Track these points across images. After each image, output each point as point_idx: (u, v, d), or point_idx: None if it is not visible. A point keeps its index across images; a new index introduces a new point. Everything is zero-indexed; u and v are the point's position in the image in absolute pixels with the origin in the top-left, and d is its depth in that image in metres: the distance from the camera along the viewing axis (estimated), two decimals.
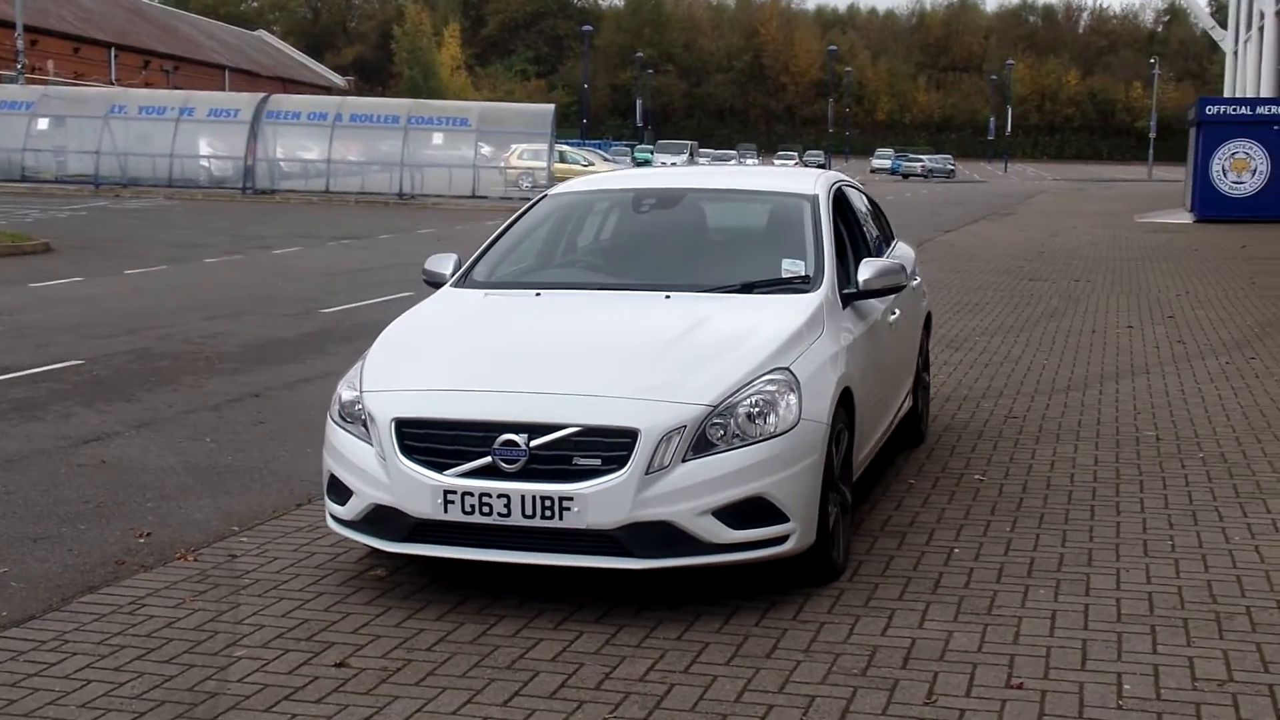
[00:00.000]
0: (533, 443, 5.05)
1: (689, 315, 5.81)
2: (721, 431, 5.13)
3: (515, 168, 42.84)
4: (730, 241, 6.82)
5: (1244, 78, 56.73)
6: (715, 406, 5.13)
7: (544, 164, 40.85)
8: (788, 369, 5.38)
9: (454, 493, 5.10)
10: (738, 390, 5.20)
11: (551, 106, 42.05)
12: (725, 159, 76.31)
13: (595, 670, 4.70)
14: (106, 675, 4.69)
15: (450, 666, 4.76)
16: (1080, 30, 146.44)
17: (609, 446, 5.03)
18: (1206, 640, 4.93)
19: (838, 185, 7.23)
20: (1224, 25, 66.44)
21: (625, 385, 5.21)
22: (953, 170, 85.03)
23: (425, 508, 5.16)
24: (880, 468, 7.42)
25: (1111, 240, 27.93)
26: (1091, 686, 4.51)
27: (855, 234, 7.09)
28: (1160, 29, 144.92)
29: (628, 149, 76.98)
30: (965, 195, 57.98)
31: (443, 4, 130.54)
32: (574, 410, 5.10)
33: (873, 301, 6.59)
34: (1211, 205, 33.73)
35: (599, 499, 4.98)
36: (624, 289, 6.25)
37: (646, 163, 72.03)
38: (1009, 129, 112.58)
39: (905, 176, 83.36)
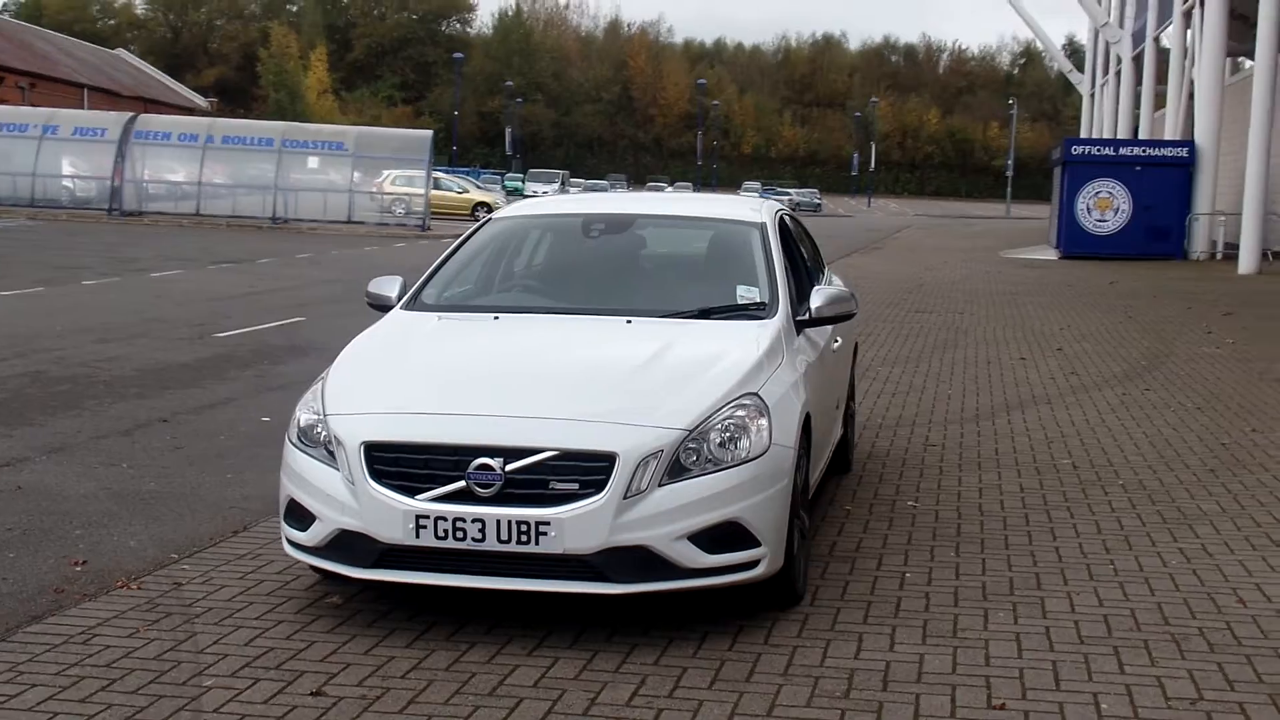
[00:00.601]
0: (508, 467, 5.00)
1: (654, 340, 5.82)
2: (694, 456, 5.14)
3: (388, 194, 42.48)
4: (682, 267, 6.87)
5: (1100, 120, 58.63)
6: (691, 431, 5.14)
7: (421, 190, 40.53)
8: (757, 394, 5.41)
9: (426, 517, 5.03)
10: (712, 414, 5.21)
11: (429, 132, 41.77)
12: (598, 188, 76.49)
13: (579, 697, 4.67)
14: (72, 708, 4.53)
15: (431, 694, 4.69)
16: (940, 71, 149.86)
17: (586, 471, 5.01)
18: (1169, 660, 5.06)
19: (780, 214, 7.31)
20: (1081, 69, 68.66)
21: (601, 409, 5.19)
22: (819, 204, 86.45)
23: (396, 533, 5.08)
24: (816, 494, 7.49)
25: (985, 275, 28.59)
26: (1071, 707, 4.59)
27: (797, 261, 7.17)
28: (1016, 71, 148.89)
29: (498, 177, 76.77)
30: (835, 229, 58.85)
31: (308, 27, 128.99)
32: (551, 434, 5.06)
33: (822, 329, 6.68)
34: (1076, 242, 34.72)
35: (576, 523, 4.95)
36: (582, 313, 6.24)
37: (517, 191, 72.00)
38: (873, 165, 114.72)
39: None
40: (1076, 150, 35.89)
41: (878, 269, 30.02)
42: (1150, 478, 8.24)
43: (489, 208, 50.87)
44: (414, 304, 6.57)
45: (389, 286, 6.80)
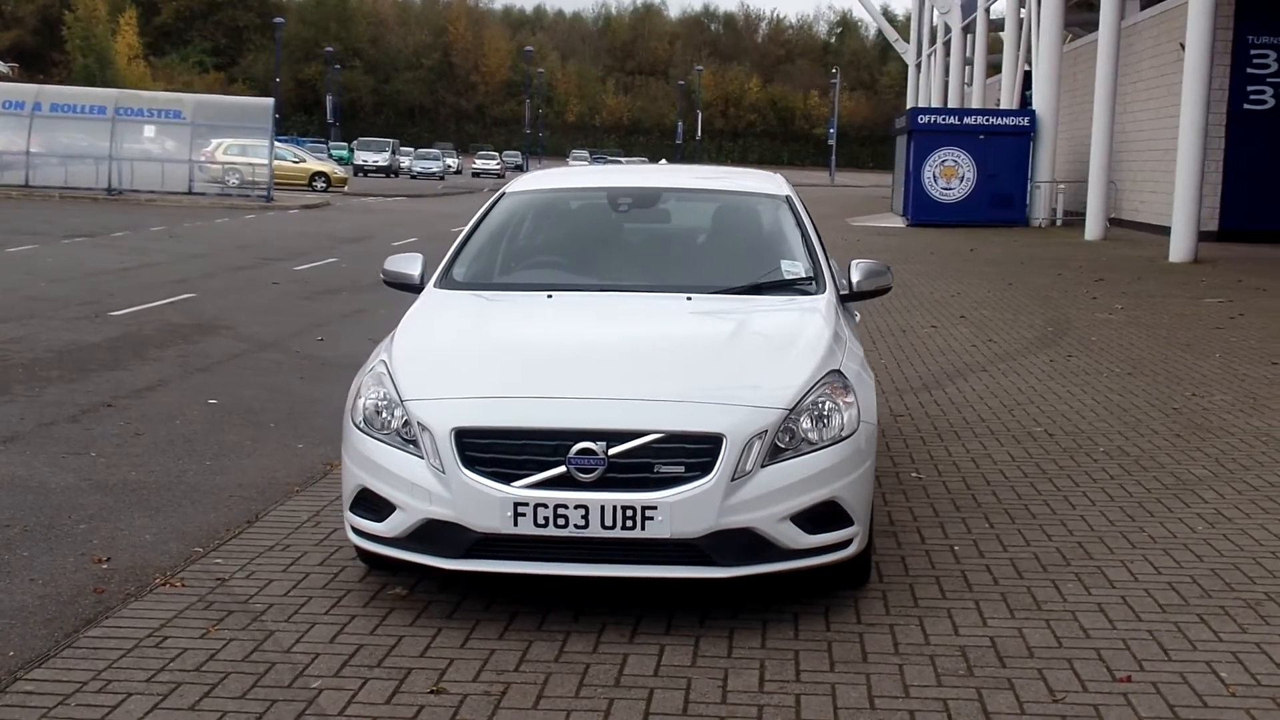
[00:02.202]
0: (611, 450, 4.86)
1: (722, 317, 5.72)
2: (789, 436, 5.06)
3: (219, 163, 41.21)
4: (718, 241, 6.74)
5: (930, 89, 59.92)
6: (790, 410, 5.06)
7: (257, 160, 39.37)
8: (840, 372, 5.36)
9: (525, 505, 4.86)
10: (805, 393, 5.14)
11: (271, 101, 40.59)
12: (430, 156, 75.44)
13: (709, 685, 4.56)
14: (184, 717, 4.27)
15: (555, 688, 4.54)
16: (759, 39, 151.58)
17: (692, 453, 4.89)
18: (1257, 626, 5.16)
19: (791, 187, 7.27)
20: (906, 39, 70.02)
21: (703, 389, 5.08)
22: None
23: (492, 522, 4.89)
24: None
25: (847, 244, 28.94)
26: (1193, 676, 4.66)
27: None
28: (834, 40, 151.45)
29: (321, 145, 74.97)
30: None
31: None
32: (655, 416, 4.93)
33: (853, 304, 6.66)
34: (924, 210, 35.48)
35: (684, 507, 4.84)
36: (635, 290, 6.10)
37: (344, 160, 70.55)
38: (698, 133, 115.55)
39: None
40: (923, 119, 36.63)
41: None
42: (1127, 444, 8.43)
43: (327, 178, 49.85)
44: (447, 282, 6.36)
45: (409, 264, 6.57)
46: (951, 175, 35.58)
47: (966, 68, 51.68)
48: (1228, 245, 27.25)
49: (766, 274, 6.28)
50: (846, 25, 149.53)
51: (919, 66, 66.69)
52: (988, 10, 47.37)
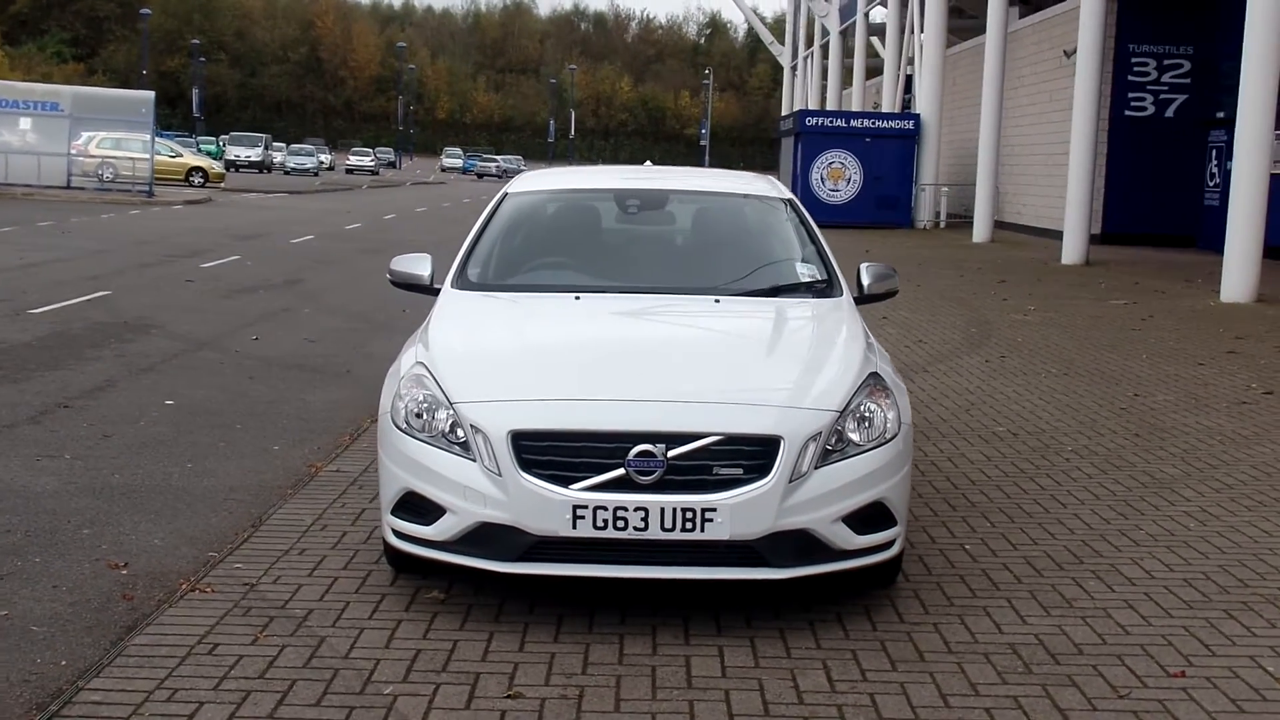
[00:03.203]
0: (670, 453, 4.87)
1: (756, 319, 5.77)
2: (836, 438, 5.13)
3: (93, 157, 40.13)
4: (730, 243, 6.77)
5: (807, 92, 60.73)
6: (840, 412, 5.13)
7: (142, 155, 38.42)
8: (877, 373, 5.45)
9: (585, 507, 4.85)
10: (852, 395, 5.22)
11: (152, 94, 39.47)
12: (304, 152, 74.28)
13: (781, 686, 4.60)
14: None
15: (630, 690, 4.54)
16: (630, 39, 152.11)
17: (749, 455, 4.93)
18: None
19: None
20: (782, 41, 70.89)
21: (756, 391, 5.12)
22: (525, 171, 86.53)
23: (550, 524, 4.88)
24: None
25: None
26: (1243, 671, 4.81)
27: None
28: (703, 41, 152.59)
29: (191, 140, 73.35)
30: None
31: None
32: (714, 418, 4.96)
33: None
34: (812, 211, 35.43)
35: (744, 509, 4.87)
36: (659, 292, 6.12)
37: (214, 155, 69.13)
38: (572, 132, 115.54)
39: (480, 176, 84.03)
40: (810, 122, 37.12)
41: None
42: (1091, 444, 8.66)
43: (204, 173, 48.83)
44: (463, 283, 6.31)
45: (418, 265, 6.52)
46: (839, 177, 36.12)
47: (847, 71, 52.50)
48: (1112, 248, 28.04)
49: (784, 276, 6.35)
50: (716, 26, 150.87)
51: (794, 69, 67.59)
52: (867, 15, 48.18)
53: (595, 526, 4.86)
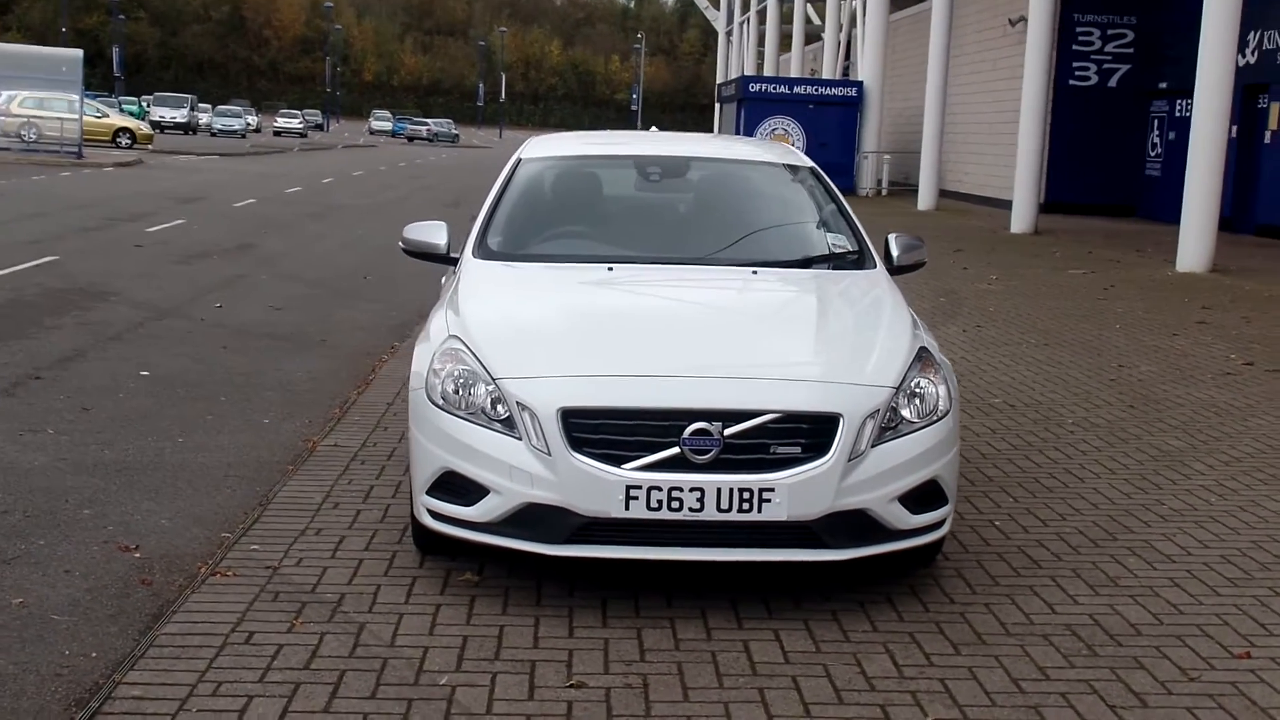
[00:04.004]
0: (727, 431, 4.70)
1: (798, 291, 5.60)
2: (891, 415, 4.98)
3: (14, 116, 39.11)
4: (757, 212, 6.57)
5: (742, 58, 60.51)
6: (896, 389, 4.98)
7: (70, 115, 37.44)
8: (926, 349, 5.30)
9: (639, 488, 4.66)
10: (906, 371, 5.07)
11: (80, 52, 38.44)
12: (231, 114, 72.93)
13: (846, 671, 4.46)
14: None
15: (695, 678, 4.37)
16: (559, 2, 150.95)
17: (808, 433, 4.77)
18: None
19: None
20: (717, 6, 70.55)
21: (812, 367, 4.96)
22: (457, 135, 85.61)
23: (602, 505, 4.68)
24: None
25: None
26: None
27: None
28: (633, 5, 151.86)
29: (113, 100, 71.68)
30: (486, 160, 58.63)
31: None
32: (771, 395, 4.78)
33: None
34: None
35: (802, 488, 4.71)
36: (693, 263, 5.92)
37: (139, 115, 67.63)
38: (502, 95, 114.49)
39: (411, 140, 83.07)
40: (754, 88, 36.94)
41: None
42: (1090, 415, 8.60)
43: (132, 134, 47.73)
44: (485, 252, 6.06)
45: (433, 233, 6.27)
46: (783, 143, 35.96)
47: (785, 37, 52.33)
48: (1055, 217, 28.14)
49: (816, 247, 6.19)
50: None
51: (729, 35, 67.33)
52: None
53: (649, 507, 4.68)
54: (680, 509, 4.68)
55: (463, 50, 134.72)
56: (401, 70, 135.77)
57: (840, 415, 4.78)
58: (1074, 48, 30.17)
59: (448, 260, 6.26)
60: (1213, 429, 8.31)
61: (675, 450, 4.69)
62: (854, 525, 4.83)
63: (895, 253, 6.31)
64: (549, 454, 4.72)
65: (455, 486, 4.93)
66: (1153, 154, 30.40)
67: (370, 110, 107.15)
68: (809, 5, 50.74)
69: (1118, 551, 5.81)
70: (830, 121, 35.96)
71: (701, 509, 4.68)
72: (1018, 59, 31.52)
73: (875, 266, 6.11)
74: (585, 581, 5.16)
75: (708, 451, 4.68)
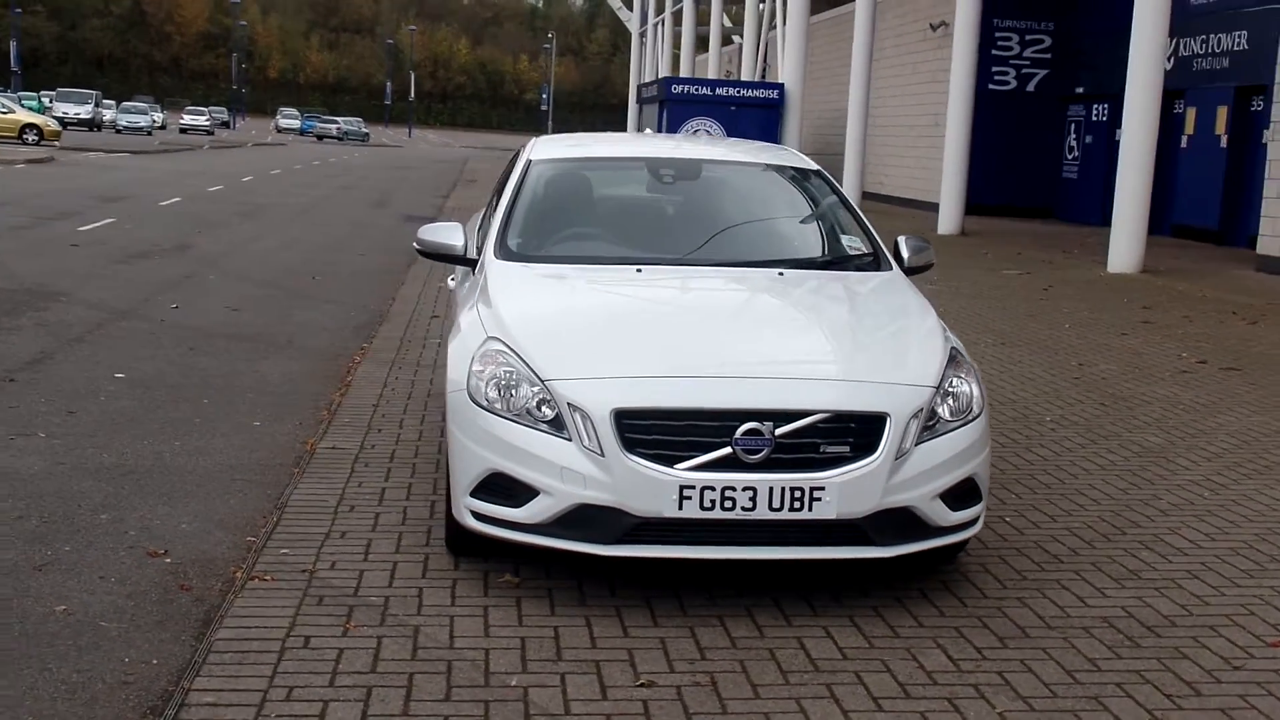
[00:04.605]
0: (778, 430, 4.76)
1: (830, 293, 5.68)
2: (930, 414, 5.07)
3: None
4: (773, 214, 6.64)
5: (658, 59, 60.64)
6: (936, 388, 5.07)
7: None
8: (957, 349, 5.40)
9: (692, 488, 4.71)
10: (943, 371, 5.16)
11: None
12: (137, 110, 71.64)
13: (906, 667, 4.53)
14: None
15: (760, 675, 4.42)
16: (466, 1, 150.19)
17: (856, 432, 4.84)
18: None
19: None
20: (630, 8, 70.64)
21: (858, 367, 5.03)
22: (366, 134, 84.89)
23: (656, 505, 4.72)
24: None
25: None
26: None
27: None
28: (541, 5, 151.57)
29: (13, 96, 70.06)
30: (400, 160, 58.25)
31: None
32: (821, 395, 4.85)
33: None
34: None
35: (851, 487, 4.79)
36: (719, 264, 5.96)
37: (41, 110, 66.18)
38: (412, 94, 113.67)
39: (320, 138, 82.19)
40: (676, 89, 36.98)
41: None
42: (1066, 413, 8.77)
43: (39, 130, 46.77)
44: (507, 254, 6.04)
45: (450, 234, 6.26)
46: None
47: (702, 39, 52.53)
48: (976, 219, 28.57)
49: (834, 249, 6.27)
50: None
51: (643, 36, 67.45)
52: None
53: (702, 507, 4.73)
54: (733, 508, 4.73)
55: (369, 48, 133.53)
56: (307, 68, 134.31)
57: (888, 415, 4.86)
58: (993, 52, 30.64)
59: (464, 262, 6.25)
60: (1186, 426, 8.53)
61: (727, 450, 4.74)
62: (900, 522, 4.92)
63: (906, 254, 6.41)
64: (602, 455, 4.75)
65: (502, 488, 4.94)
66: (1069, 157, 31.01)
67: (276, 108, 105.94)
68: (725, 6, 51.02)
69: (1130, 546, 5.96)
70: (752, 123, 36.04)
71: (754, 508, 4.74)
72: (938, 63, 32.08)
73: (892, 268, 6.21)
74: (625, 581, 5.19)
75: (759, 451, 4.74)
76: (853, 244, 6.35)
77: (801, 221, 6.67)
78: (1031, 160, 30.97)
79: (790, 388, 4.87)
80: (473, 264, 6.21)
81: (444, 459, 6.84)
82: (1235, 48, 24.00)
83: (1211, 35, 24.52)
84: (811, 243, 6.38)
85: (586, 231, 6.42)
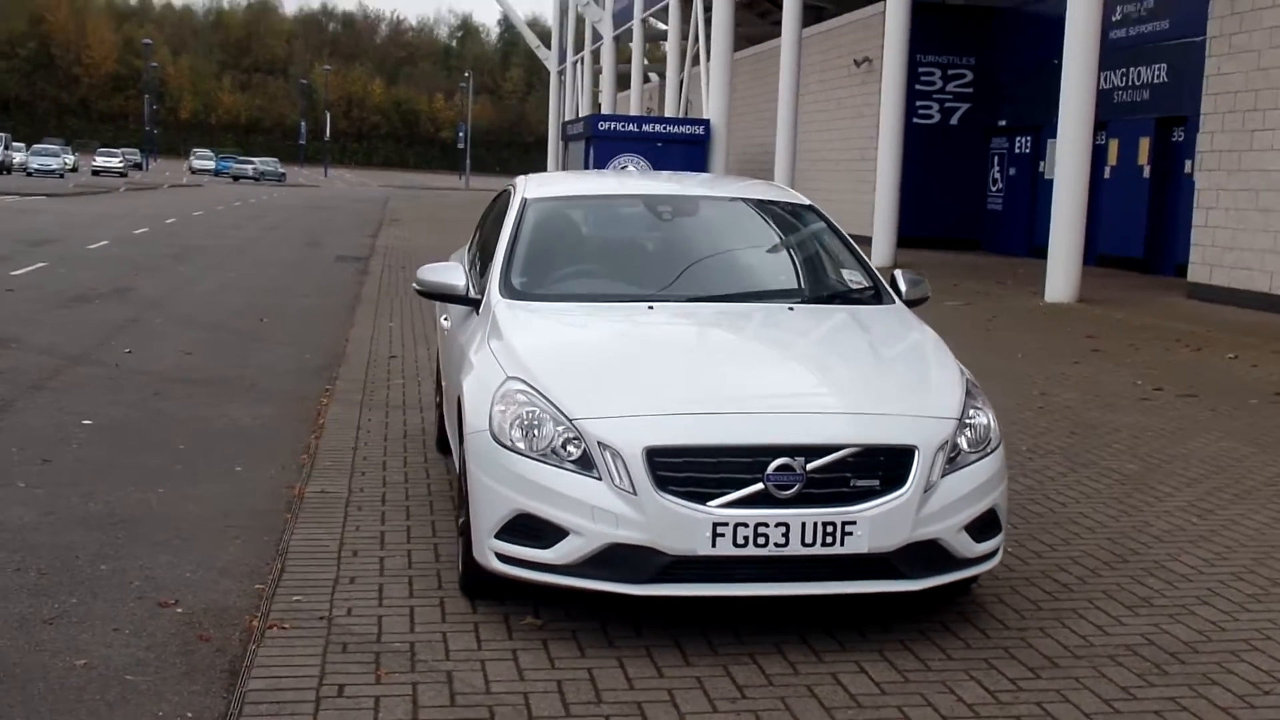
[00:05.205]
0: (809, 465, 4.76)
1: (843, 327, 5.70)
2: (953, 446, 5.10)
3: None
4: (773, 249, 6.67)
5: (578, 96, 60.85)
6: (959, 420, 5.10)
7: None
8: (971, 381, 5.45)
9: (725, 525, 4.70)
10: (964, 404, 5.20)
11: None
12: (48, 152, 70.54)
13: (946, 700, 4.53)
14: None
15: (803, 711, 4.39)
16: (380, 40, 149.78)
17: (884, 465, 4.86)
18: None
19: None
20: (549, 46, 70.86)
21: (884, 401, 5.05)
22: (283, 174, 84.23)
23: (690, 543, 4.70)
24: None
25: None
26: None
27: None
28: (455, 44, 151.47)
29: None
30: (320, 199, 57.88)
31: None
32: (851, 429, 4.86)
33: None
34: None
35: (882, 521, 4.80)
36: (728, 300, 5.97)
37: None
38: (327, 134, 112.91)
39: (236, 179, 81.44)
40: (603, 126, 37.20)
41: (434, 243, 29.56)
42: (1040, 442, 8.87)
43: None
44: (511, 293, 5.99)
45: (451, 274, 6.22)
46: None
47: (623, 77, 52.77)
48: (906, 251, 28.93)
49: (838, 283, 6.30)
50: (468, 29, 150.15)
51: (562, 74, 67.67)
52: (645, 21, 48.57)
53: (735, 544, 4.71)
54: (766, 544, 4.72)
55: (282, 88, 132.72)
56: (219, 108, 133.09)
57: (916, 448, 4.88)
58: (917, 87, 31.11)
59: (466, 302, 6.19)
60: (1158, 452, 8.66)
61: (759, 486, 4.73)
62: (927, 555, 4.93)
63: (904, 288, 6.46)
64: (634, 493, 4.72)
65: (529, 529, 4.89)
66: (994, 189, 31.52)
67: (189, 149, 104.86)
68: (645, 44, 51.33)
69: (1134, 573, 6.02)
70: (679, 159, 36.27)
71: (786, 544, 4.73)
72: (863, 98, 32.52)
73: (894, 302, 6.25)
74: (649, 621, 5.15)
75: (792, 487, 4.74)
76: (854, 278, 6.39)
77: (802, 256, 6.70)
78: (957, 193, 31.46)
79: (820, 422, 4.88)
80: (475, 304, 6.14)
81: (435, 501, 6.82)
82: (1156, 80, 24.57)
83: (1132, 68, 25.09)
84: (815, 277, 6.41)
85: (589, 269, 6.40)
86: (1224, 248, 18.48)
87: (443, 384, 7.61)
